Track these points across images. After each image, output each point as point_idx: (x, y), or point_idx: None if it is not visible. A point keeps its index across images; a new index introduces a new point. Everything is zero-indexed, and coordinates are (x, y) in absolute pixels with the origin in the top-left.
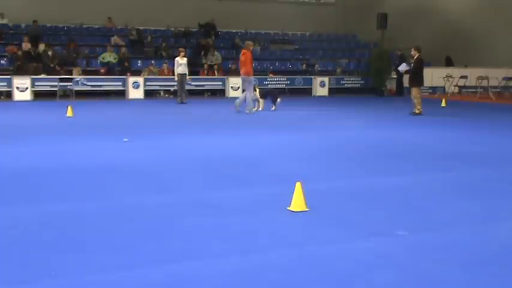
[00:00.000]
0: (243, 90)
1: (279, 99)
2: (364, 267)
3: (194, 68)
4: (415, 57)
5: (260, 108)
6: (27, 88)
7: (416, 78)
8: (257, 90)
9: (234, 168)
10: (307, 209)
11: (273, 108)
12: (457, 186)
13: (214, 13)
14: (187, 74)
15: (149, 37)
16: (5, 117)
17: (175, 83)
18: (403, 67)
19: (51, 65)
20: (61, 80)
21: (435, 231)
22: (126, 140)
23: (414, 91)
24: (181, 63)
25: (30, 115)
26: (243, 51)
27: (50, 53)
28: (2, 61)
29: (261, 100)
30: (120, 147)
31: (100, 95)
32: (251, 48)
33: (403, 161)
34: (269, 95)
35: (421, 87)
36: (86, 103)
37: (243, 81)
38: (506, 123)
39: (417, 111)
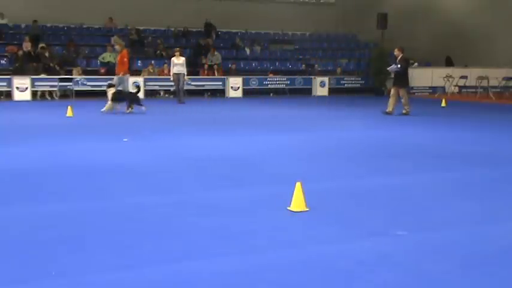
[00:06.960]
0: None
1: (144, 108)
2: (364, 267)
3: (194, 68)
4: (399, 57)
5: (105, 110)
6: (27, 88)
7: (403, 78)
8: (110, 91)
9: (233, 168)
10: (307, 209)
11: (128, 110)
12: (457, 186)
13: (214, 13)
14: (185, 73)
15: (150, 37)
16: (5, 117)
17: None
18: (392, 68)
19: (51, 65)
20: (61, 80)
21: (435, 231)
22: (126, 140)
23: (401, 92)
24: (177, 63)
25: (30, 115)
26: None
27: (49, 53)
28: (2, 61)
29: (110, 103)
30: (120, 147)
31: (100, 95)
32: None
33: (403, 161)
34: (126, 98)
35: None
36: (86, 103)
37: None
38: (506, 123)
39: (404, 112)
